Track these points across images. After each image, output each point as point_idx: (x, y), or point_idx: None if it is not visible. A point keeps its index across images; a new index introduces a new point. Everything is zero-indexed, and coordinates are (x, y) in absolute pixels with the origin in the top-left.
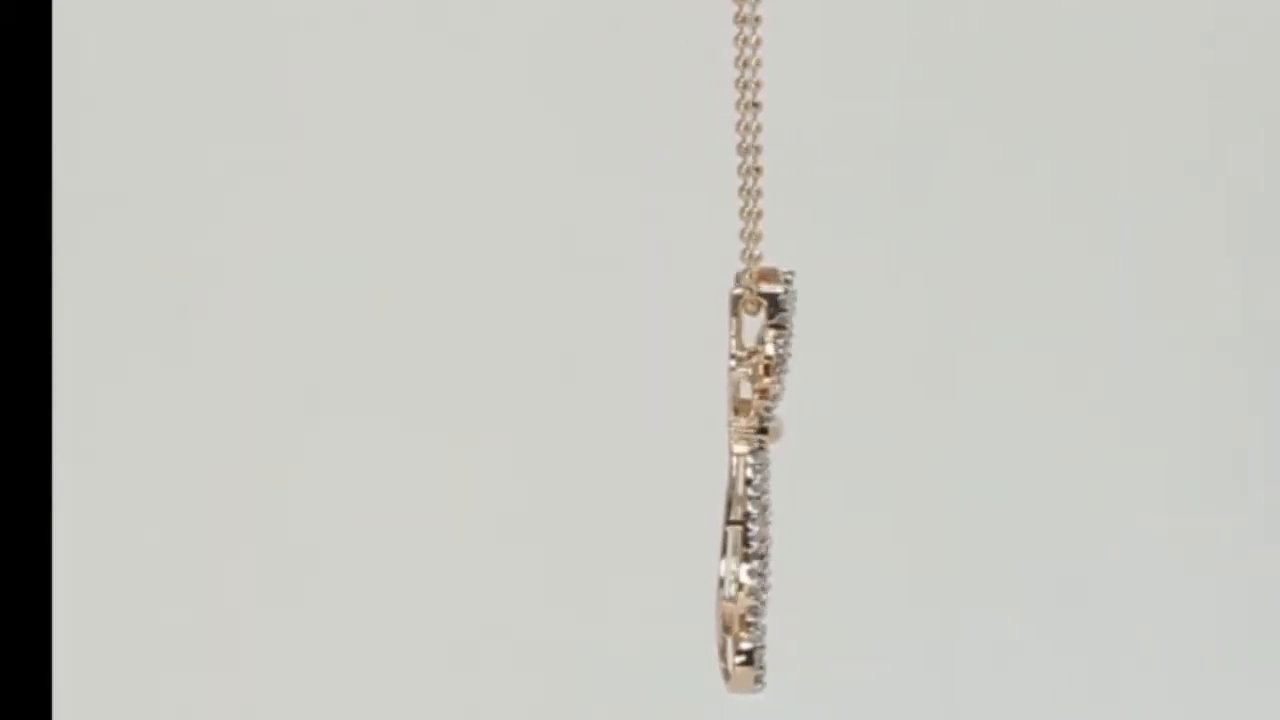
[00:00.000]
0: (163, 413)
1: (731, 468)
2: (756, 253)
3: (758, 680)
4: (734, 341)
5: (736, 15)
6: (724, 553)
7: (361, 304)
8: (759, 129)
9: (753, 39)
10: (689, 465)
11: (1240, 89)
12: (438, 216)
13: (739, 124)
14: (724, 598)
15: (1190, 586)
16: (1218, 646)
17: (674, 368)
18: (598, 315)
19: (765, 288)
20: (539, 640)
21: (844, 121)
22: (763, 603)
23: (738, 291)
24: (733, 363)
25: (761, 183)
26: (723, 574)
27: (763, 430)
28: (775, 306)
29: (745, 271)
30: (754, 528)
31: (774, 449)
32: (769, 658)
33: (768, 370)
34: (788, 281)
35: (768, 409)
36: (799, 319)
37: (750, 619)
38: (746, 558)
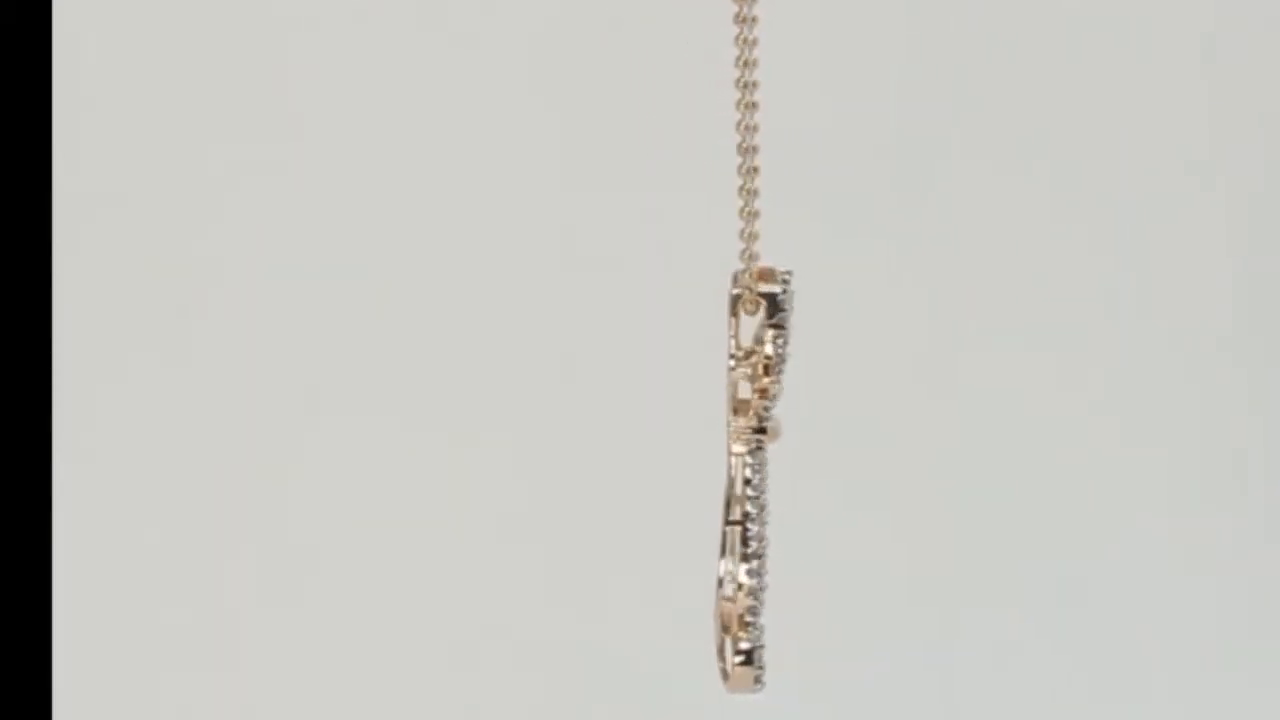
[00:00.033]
0: (163, 413)
1: (730, 468)
2: (753, 252)
3: (757, 680)
4: (733, 341)
5: (736, 15)
6: (723, 553)
7: (361, 304)
8: (756, 129)
9: (750, 38)
10: (688, 465)
11: (1240, 89)
12: (437, 216)
13: (739, 124)
14: (723, 597)
15: (1190, 586)
16: (1218, 646)
17: (673, 368)
18: (597, 315)
19: (764, 288)
20: (539, 640)
21: (844, 121)
22: (761, 602)
23: (737, 291)
24: (731, 363)
25: (758, 182)
26: (722, 574)
27: (761, 430)
28: (774, 306)
29: (745, 271)
30: (753, 528)
31: (773, 449)
32: (767, 657)
33: (767, 370)
34: (785, 281)
35: (766, 409)
36: (798, 319)
37: (749, 619)
38: (745, 558)
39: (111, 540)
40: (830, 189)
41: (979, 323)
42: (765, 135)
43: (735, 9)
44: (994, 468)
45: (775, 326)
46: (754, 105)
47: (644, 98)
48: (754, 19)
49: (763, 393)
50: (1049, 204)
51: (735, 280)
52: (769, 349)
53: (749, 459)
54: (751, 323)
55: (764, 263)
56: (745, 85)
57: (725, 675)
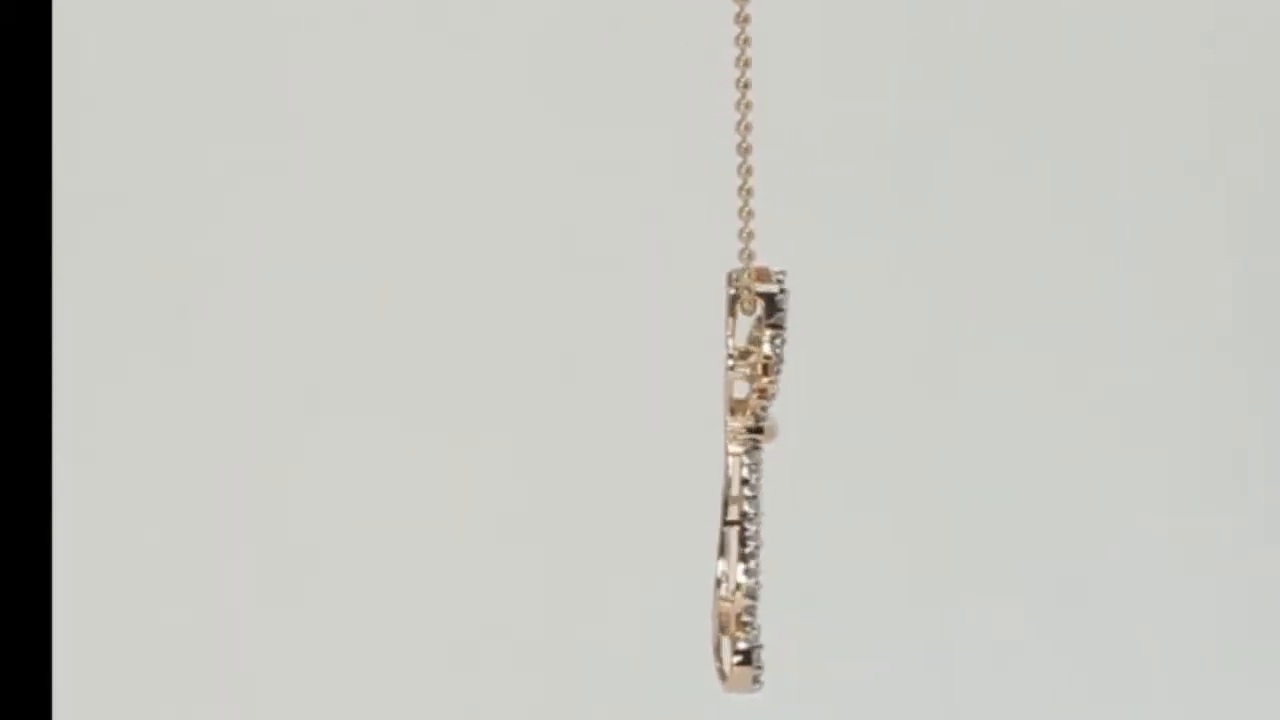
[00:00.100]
0: (163, 413)
1: (727, 468)
2: (751, 251)
3: (755, 680)
4: (731, 341)
5: (736, 15)
6: (721, 553)
7: (361, 304)
8: (751, 128)
9: (747, 37)
10: (687, 465)
11: (1240, 89)
12: (437, 216)
13: (737, 124)
14: (721, 597)
15: (1190, 586)
16: (1218, 646)
17: (673, 367)
18: (597, 315)
19: (761, 287)
20: (538, 640)
21: (844, 121)
22: (758, 602)
23: (734, 291)
24: (730, 363)
25: (754, 182)
26: (720, 574)
27: (758, 430)
28: (772, 306)
29: (743, 271)
30: (750, 528)
31: (773, 449)
32: (765, 657)
33: (765, 370)
34: (780, 281)
35: (764, 409)
36: (798, 318)
37: (746, 619)
38: (743, 558)
39: (111, 540)
40: (829, 189)
41: (979, 323)
42: (764, 135)
43: (734, 9)
44: (994, 467)
45: (773, 326)
46: (750, 105)
47: (643, 98)
48: (748, 18)
49: (761, 393)
50: (1049, 204)
51: (730, 280)
52: (767, 349)
53: (746, 459)
54: (744, 323)
55: (758, 262)
56: (743, 85)
57: (722, 675)
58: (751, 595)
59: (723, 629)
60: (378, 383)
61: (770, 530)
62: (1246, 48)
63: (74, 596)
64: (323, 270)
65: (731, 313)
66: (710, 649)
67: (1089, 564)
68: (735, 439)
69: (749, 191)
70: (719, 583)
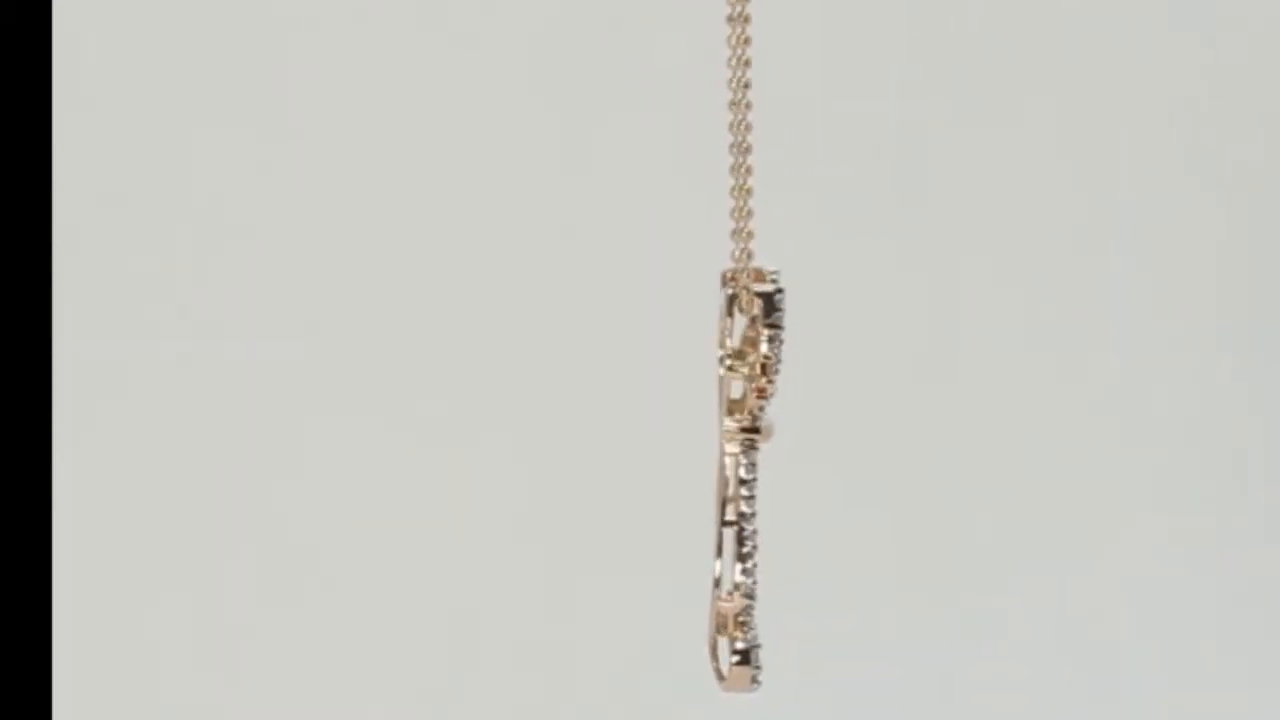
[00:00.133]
0: (162, 413)
1: (725, 468)
2: (740, 252)
3: (754, 680)
4: (729, 341)
5: (736, 14)
6: (719, 553)
7: (361, 304)
8: (749, 128)
9: (742, 37)
10: (685, 465)
11: (1240, 89)
12: (436, 216)
13: (731, 124)
14: (719, 598)
15: (1190, 586)
16: (1218, 646)
17: (672, 367)
18: (596, 315)
19: (759, 287)
20: (539, 640)
21: (842, 121)
22: (755, 602)
23: (732, 291)
24: (728, 363)
25: (751, 181)
26: (718, 574)
27: (754, 430)
28: (770, 306)
29: (741, 270)
30: (748, 528)
31: (769, 449)
32: (763, 656)
33: (764, 370)
34: (774, 280)
35: (761, 409)
36: (797, 318)
37: (744, 618)
38: (741, 558)
39: (111, 540)
40: (829, 189)
41: (977, 322)
42: (765, 135)
43: (734, 8)
44: (992, 467)
45: (771, 326)
46: (750, 105)
47: (643, 98)
48: (748, 17)
49: (760, 393)
50: (1049, 204)
51: (725, 280)
52: (764, 349)
53: (743, 459)
54: (740, 322)
55: (751, 262)
56: (743, 85)
57: (719, 675)
58: (749, 595)
59: (721, 629)
60: (377, 382)
61: (767, 530)
62: (1247, 47)
63: (74, 596)
64: (322, 270)
65: (729, 312)
66: (707, 649)
67: (1089, 564)
68: (732, 439)
69: (748, 191)
70: (717, 583)
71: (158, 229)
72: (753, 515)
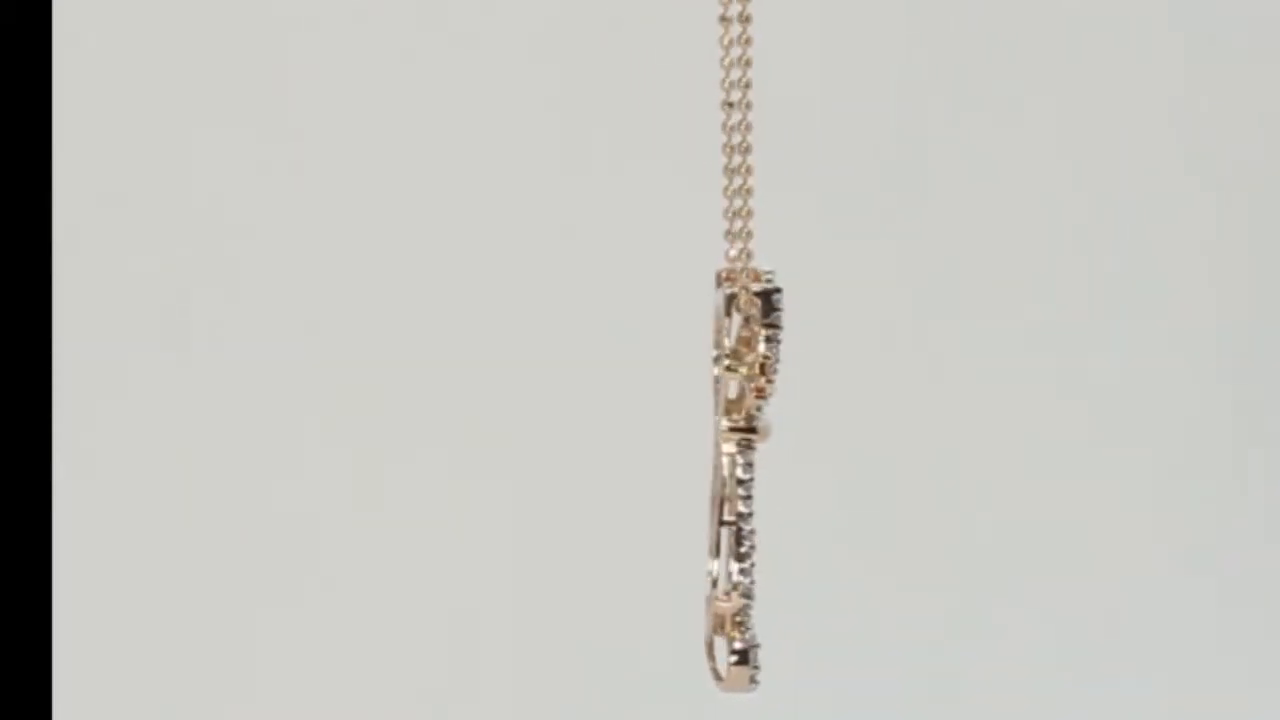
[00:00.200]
0: (163, 413)
1: (722, 468)
2: (740, 253)
3: (752, 680)
4: (727, 341)
5: (739, 14)
6: (716, 553)
7: (361, 304)
8: (748, 128)
9: (740, 38)
10: (685, 464)
11: (1240, 89)
12: (435, 216)
13: (724, 123)
14: (716, 597)
15: (1190, 586)
16: (1217, 646)
17: (672, 367)
18: (595, 314)
19: (758, 287)
20: (538, 640)
21: (843, 121)
22: (753, 601)
23: (732, 291)
24: (727, 362)
25: (751, 181)
26: (715, 574)
27: (751, 430)
28: (769, 306)
29: (741, 270)
30: (746, 528)
31: (767, 448)
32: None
33: (763, 370)
34: (769, 280)
35: (759, 409)
36: (795, 318)
37: (742, 618)
38: (739, 558)
39: (111, 540)
40: (828, 188)
41: (978, 323)
42: (765, 135)
43: (735, 9)
44: (992, 467)
45: (770, 326)
46: (731, 105)
47: (644, 98)
48: (740, 17)
49: (759, 392)
50: (1049, 204)
51: (720, 280)
52: (762, 349)
53: (740, 459)
54: (737, 322)
55: (739, 263)
56: (743, 85)
57: (717, 675)
58: (748, 595)
59: (719, 629)
60: (377, 382)
61: (765, 530)
62: (1247, 47)
63: (74, 596)
64: (322, 270)
65: (728, 312)
66: (704, 649)
67: (1088, 564)
68: (729, 439)
69: (748, 191)
70: (715, 583)
71: (158, 229)
72: (750, 515)
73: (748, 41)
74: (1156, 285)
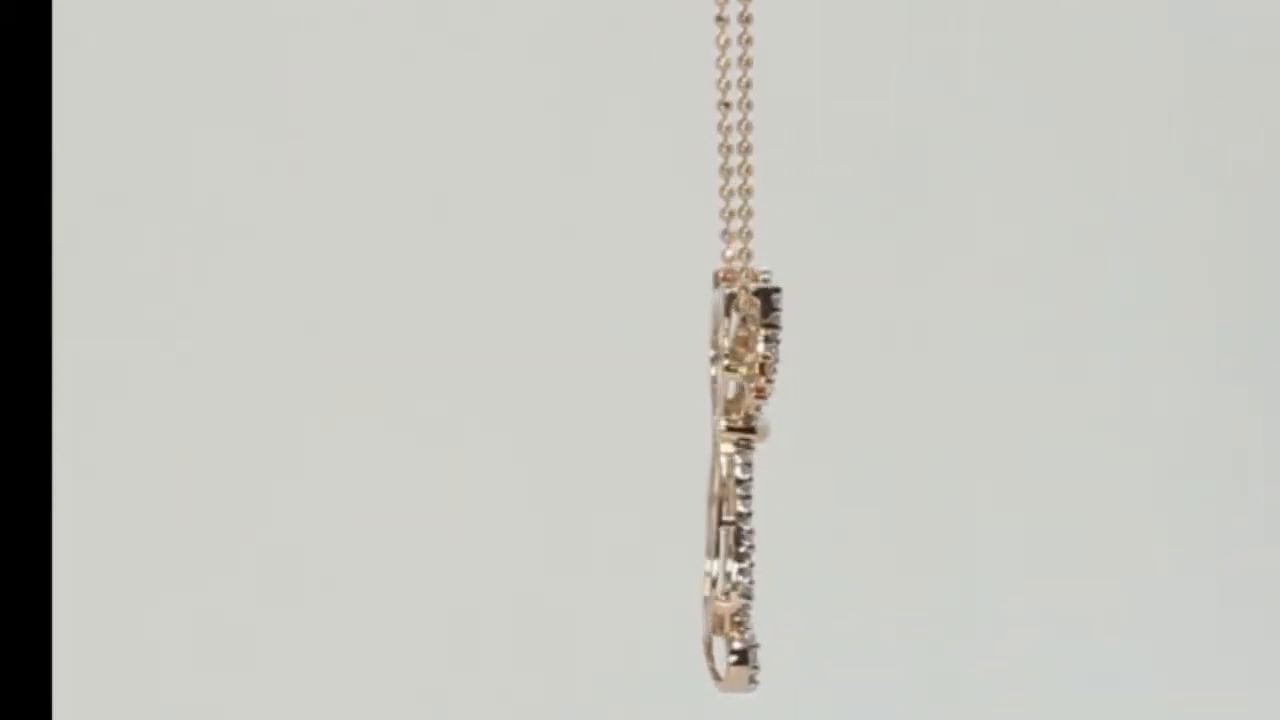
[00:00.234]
0: (162, 413)
1: (720, 467)
2: (740, 252)
3: (752, 680)
4: (726, 341)
5: (718, 14)
6: (716, 553)
7: (361, 303)
8: (749, 128)
9: (742, 37)
10: (684, 464)
11: (1240, 89)
12: (435, 216)
13: (720, 124)
14: (715, 597)
15: (1190, 586)
16: (1217, 646)
17: (671, 366)
18: (595, 314)
19: (754, 287)
20: (537, 640)
21: (843, 121)
22: (752, 601)
23: (731, 290)
24: (726, 362)
25: (751, 181)
26: (714, 574)
27: (750, 430)
28: (769, 306)
29: (741, 270)
30: (745, 527)
31: (766, 448)
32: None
33: (762, 370)
34: (766, 281)
35: (758, 409)
36: (795, 318)
37: (740, 618)
38: (739, 557)
39: (111, 540)
40: (828, 188)
41: (978, 323)
42: (764, 135)
43: (738, 7)
44: (992, 467)
45: (769, 326)
46: (726, 105)
47: (644, 98)
48: (741, 17)
49: (759, 392)
50: (1049, 204)
51: (717, 280)
52: (761, 348)
53: (738, 459)
54: (735, 322)
55: (737, 263)
56: (725, 86)
57: (716, 675)
58: (747, 595)
59: (717, 629)
60: (376, 382)
61: (763, 530)
62: (1247, 48)
63: (74, 596)
64: (322, 270)
65: (727, 312)
66: (702, 649)
67: (1088, 563)
68: (727, 439)
69: (749, 191)
70: (714, 583)
71: (158, 229)
72: (749, 515)
73: (749, 41)
74: (1156, 285)
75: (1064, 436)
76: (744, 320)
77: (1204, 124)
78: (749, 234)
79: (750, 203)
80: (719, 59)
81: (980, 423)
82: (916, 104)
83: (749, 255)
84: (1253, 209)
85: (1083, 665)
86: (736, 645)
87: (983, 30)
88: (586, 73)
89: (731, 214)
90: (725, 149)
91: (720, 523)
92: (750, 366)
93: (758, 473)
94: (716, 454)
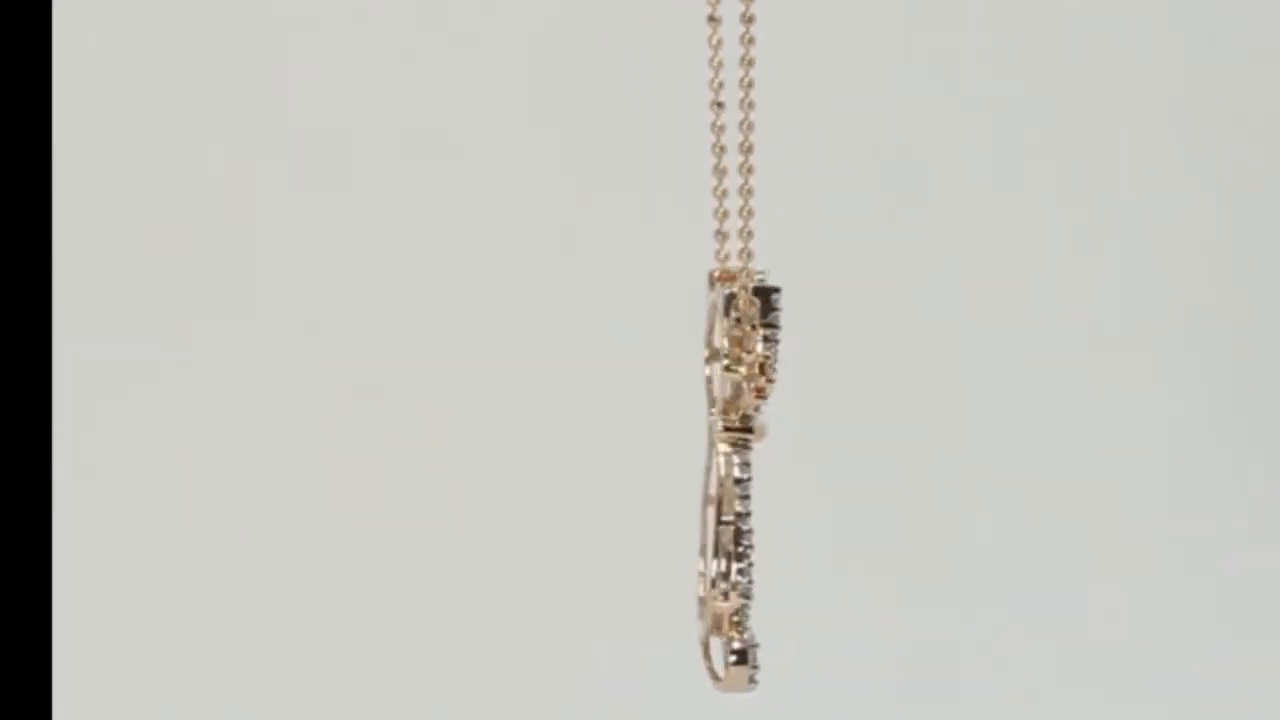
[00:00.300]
0: (163, 413)
1: (719, 467)
2: (723, 253)
3: (751, 680)
4: (725, 341)
5: (710, 15)
6: (715, 552)
7: (360, 303)
8: (750, 127)
9: (744, 37)
10: (684, 464)
11: (1240, 89)
12: (435, 216)
13: (713, 124)
14: (713, 597)
15: (1190, 586)
16: (1216, 647)
17: (670, 366)
18: (594, 314)
19: (754, 286)
20: (537, 640)
21: (843, 121)
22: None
23: (730, 290)
24: (726, 362)
25: (751, 181)
26: (713, 574)
27: (748, 430)
28: (768, 306)
29: (741, 270)
30: (744, 527)
31: (764, 448)
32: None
33: (762, 370)
34: (761, 280)
35: (756, 409)
36: (794, 318)
37: (739, 618)
38: (738, 557)
39: (111, 540)
40: (828, 188)
41: (978, 323)
42: (764, 135)
43: (738, 7)
44: (992, 467)
45: (768, 326)
46: (720, 105)
47: (643, 98)
48: (752, 17)
49: (759, 392)
50: (1049, 204)
51: (712, 280)
52: (760, 348)
53: (736, 458)
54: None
55: (731, 264)
56: (746, 84)
57: (714, 675)
58: (746, 595)
59: (716, 629)
60: (376, 382)
61: (761, 530)
62: (1247, 48)
63: (74, 596)
64: (322, 269)
65: (726, 312)
66: (700, 649)
67: (1088, 563)
68: (725, 439)
69: (749, 191)
70: (713, 583)
71: (158, 229)
72: (748, 515)
73: (751, 41)
74: (1156, 285)
75: (1064, 436)
76: (738, 320)
77: (1204, 124)
78: (750, 234)
79: (751, 202)
80: (712, 59)
81: (980, 423)
82: (916, 104)
83: (749, 255)
84: (1253, 209)
85: (1082, 665)
86: (736, 645)
87: (983, 30)
88: (586, 73)
89: (725, 214)
90: (719, 149)
91: (720, 522)
92: (750, 366)
93: (756, 472)
94: (713, 454)
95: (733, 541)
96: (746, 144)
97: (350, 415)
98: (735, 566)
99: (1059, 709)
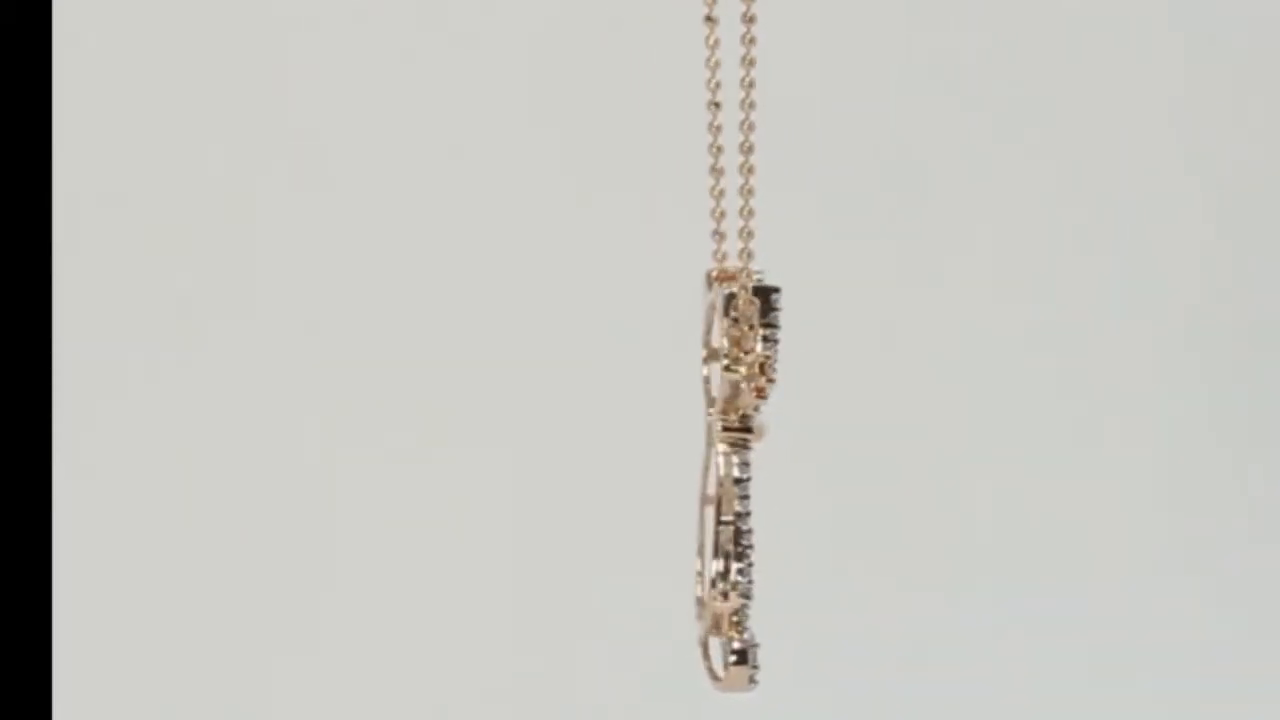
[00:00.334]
0: (163, 413)
1: (718, 467)
2: (720, 253)
3: (751, 680)
4: (724, 341)
5: (707, 15)
6: (714, 552)
7: (360, 303)
8: (751, 127)
9: (745, 37)
10: (684, 463)
11: (1241, 89)
12: (435, 216)
13: (710, 124)
14: (713, 597)
15: (1190, 586)
16: (1217, 647)
17: (669, 366)
18: (594, 314)
19: (753, 285)
20: (537, 640)
21: (843, 121)
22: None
23: (730, 290)
24: (726, 362)
25: (752, 181)
26: (712, 574)
27: (747, 429)
28: (768, 305)
29: (741, 270)
30: (744, 526)
31: (764, 448)
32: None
33: (762, 370)
34: (759, 280)
35: (756, 408)
36: (794, 318)
37: (739, 618)
38: (738, 557)
39: (111, 540)
40: (828, 188)
41: (978, 323)
42: (764, 135)
43: (740, 7)
44: (992, 467)
45: (768, 326)
46: (716, 105)
47: (644, 98)
48: (754, 17)
49: (759, 392)
50: (1048, 204)
51: (709, 280)
52: (760, 348)
53: (735, 458)
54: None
55: (729, 264)
56: (748, 84)
57: (713, 675)
58: (746, 595)
59: (716, 629)
60: (376, 382)
61: (761, 529)
62: (1247, 48)
63: (74, 596)
64: (322, 269)
65: (726, 312)
66: (699, 649)
67: (1088, 563)
68: (724, 439)
69: (750, 191)
70: (713, 583)
71: (158, 229)
72: (748, 514)
73: (752, 41)
74: (1156, 285)
75: (1064, 436)
76: (736, 320)
77: (1204, 124)
78: (750, 234)
79: (751, 202)
80: (709, 59)
81: (980, 423)
82: (916, 104)
83: (749, 255)
84: (1252, 209)
85: (1082, 665)
86: (736, 645)
87: (983, 30)
88: (585, 73)
89: (723, 214)
90: (715, 149)
91: (719, 522)
92: (749, 366)
93: (755, 472)
94: (712, 453)
95: (732, 541)
96: (747, 144)
97: (350, 415)
98: (735, 566)
99: (1059, 709)
